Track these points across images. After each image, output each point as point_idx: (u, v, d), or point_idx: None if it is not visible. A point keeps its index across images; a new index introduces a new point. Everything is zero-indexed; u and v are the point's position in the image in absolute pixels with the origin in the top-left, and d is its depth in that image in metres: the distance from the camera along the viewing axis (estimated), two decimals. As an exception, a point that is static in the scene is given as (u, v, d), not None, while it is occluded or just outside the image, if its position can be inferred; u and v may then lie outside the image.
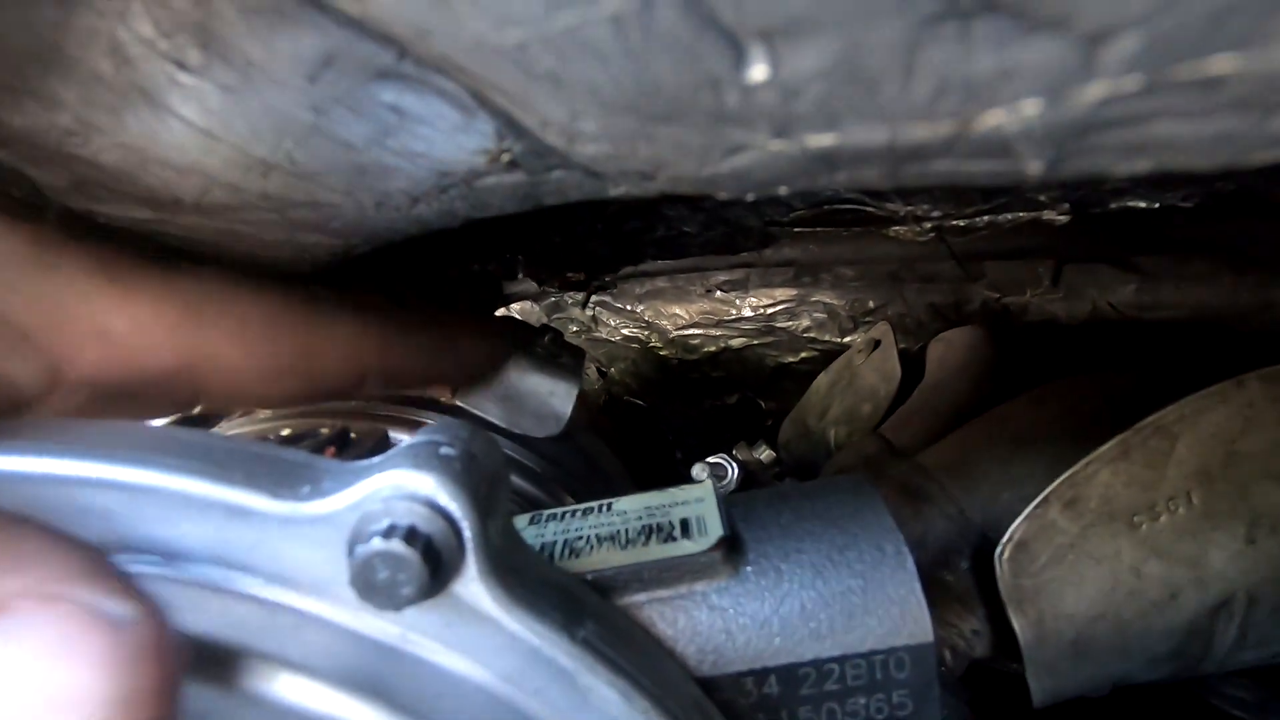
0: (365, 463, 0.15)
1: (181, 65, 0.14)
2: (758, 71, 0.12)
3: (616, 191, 0.18)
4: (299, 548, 0.15)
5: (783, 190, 0.16)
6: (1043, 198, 0.33)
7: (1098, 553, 0.30)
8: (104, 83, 0.15)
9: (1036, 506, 0.30)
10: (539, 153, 0.16)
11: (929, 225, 0.36)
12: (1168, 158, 0.12)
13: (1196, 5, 0.10)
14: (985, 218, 0.35)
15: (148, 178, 0.17)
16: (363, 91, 0.15)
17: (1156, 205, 0.32)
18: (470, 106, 0.15)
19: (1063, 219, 0.34)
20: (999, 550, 0.30)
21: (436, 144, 0.16)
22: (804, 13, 0.10)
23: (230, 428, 0.33)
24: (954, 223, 0.36)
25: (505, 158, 0.17)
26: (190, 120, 0.16)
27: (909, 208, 0.34)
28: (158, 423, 0.34)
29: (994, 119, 0.12)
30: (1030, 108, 0.11)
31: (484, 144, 0.16)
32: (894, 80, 0.11)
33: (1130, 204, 0.33)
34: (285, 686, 0.14)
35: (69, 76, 0.15)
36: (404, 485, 0.14)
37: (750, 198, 0.16)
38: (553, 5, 0.11)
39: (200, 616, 0.15)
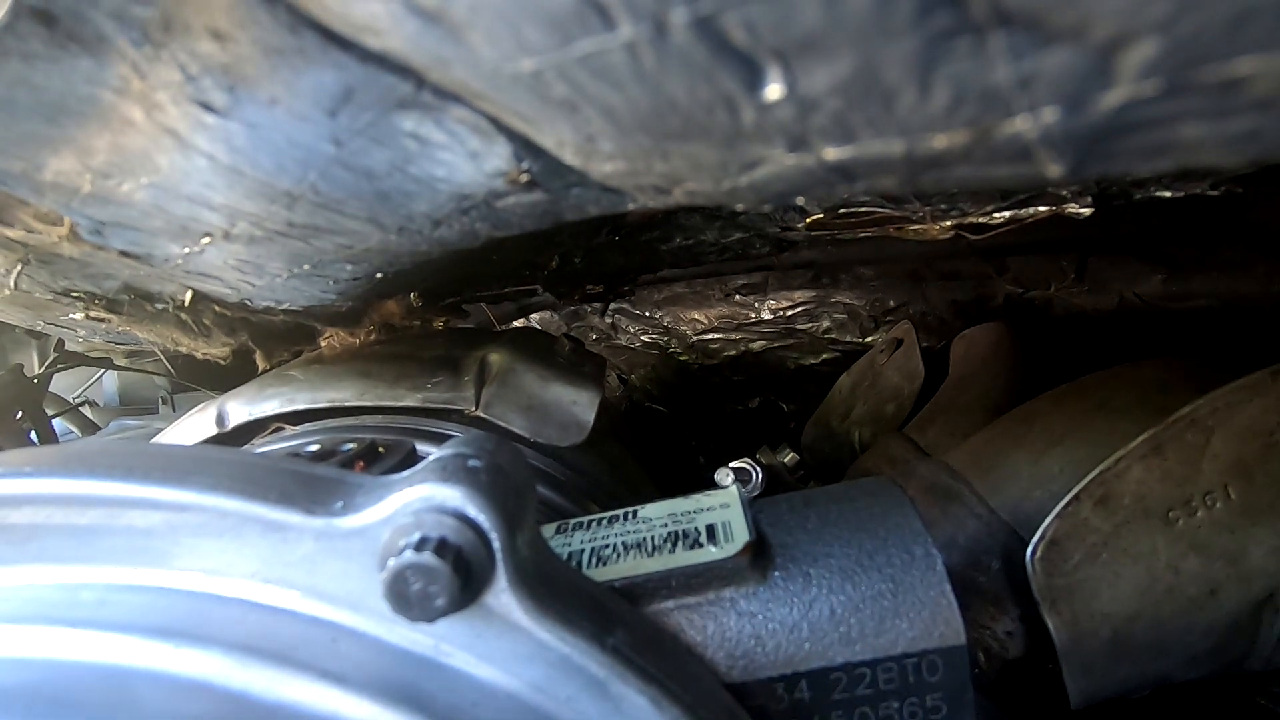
0: (395, 477, 0.15)
1: (208, 107, 0.15)
2: (773, 90, 0.12)
3: (634, 206, 0.18)
4: (334, 561, 0.15)
5: (799, 200, 0.16)
6: (1065, 192, 0.33)
7: (1133, 550, 0.29)
8: (135, 127, 0.15)
9: (1067, 504, 0.29)
10: (557, 172, 0.17)
11: (949, 223, 0.35)
12: (1191, 157, 0.12)
13: (1216, 10, 0.10)
14: (1006, 213, 0.35)
15: (178, 214, 0.18)
16: (384, 121, 0.15)
17: (1182, 194, 0.32)
18: (488, 131, 0.16)
19: (1086, 211, 0.33)
20: (1031, 549, 0.29)
21: (456, 168, 0.17)
22: (817, 32, 0.10)
23: (260, 445, 0.34)
24: (974, 219, 0.35)
25: (524, 178, 0.17)
26: (217, 158, 0.16)
27: (927, 207, 0.34)
28: (192, 444, 0.35)
29: (1013, 127, 0.12)
30: (1049, 115, 0.11)
31: (502, 166, 0.17)
32: (910, 93, 0.11)
33: (1155, 194, 0.32)
34: (323, 698, 0.15)
35: (104, 124, 0.15)
36: (433, 498, 0.14)
37: (767, 208, 0.16)
38: (567, 35, 0.11)
39: (239, 631, 0.15)
